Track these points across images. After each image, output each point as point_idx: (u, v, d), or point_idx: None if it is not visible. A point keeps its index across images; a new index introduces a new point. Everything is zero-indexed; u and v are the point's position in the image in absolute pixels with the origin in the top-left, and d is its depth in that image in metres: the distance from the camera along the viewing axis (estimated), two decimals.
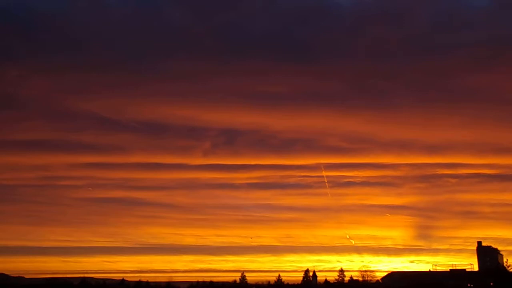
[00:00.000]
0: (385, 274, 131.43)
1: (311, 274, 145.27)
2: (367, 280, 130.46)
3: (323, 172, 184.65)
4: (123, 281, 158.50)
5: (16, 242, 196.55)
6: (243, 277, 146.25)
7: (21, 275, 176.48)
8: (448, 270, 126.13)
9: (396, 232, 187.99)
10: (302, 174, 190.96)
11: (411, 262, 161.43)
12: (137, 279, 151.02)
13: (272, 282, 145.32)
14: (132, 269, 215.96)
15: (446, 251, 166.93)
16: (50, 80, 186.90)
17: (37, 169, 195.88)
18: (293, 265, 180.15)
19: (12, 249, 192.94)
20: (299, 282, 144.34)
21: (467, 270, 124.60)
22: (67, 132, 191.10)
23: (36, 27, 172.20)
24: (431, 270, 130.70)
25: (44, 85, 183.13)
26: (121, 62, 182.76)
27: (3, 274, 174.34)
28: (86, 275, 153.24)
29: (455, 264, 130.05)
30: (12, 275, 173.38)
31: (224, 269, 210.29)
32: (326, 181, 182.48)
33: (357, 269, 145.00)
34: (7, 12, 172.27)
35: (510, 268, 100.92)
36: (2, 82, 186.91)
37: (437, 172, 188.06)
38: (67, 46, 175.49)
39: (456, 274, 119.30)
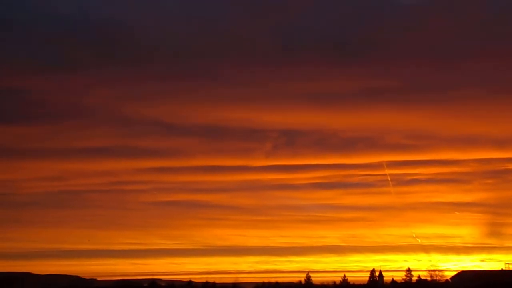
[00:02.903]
0: (454, 273, 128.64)
1: (377, 274, 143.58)
2: (436, 279, 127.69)
3: (386, 170, 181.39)
4: (190, 282, 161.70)
5: (87, 246, 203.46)
6: (308, 278, 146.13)
7: (93, 277, 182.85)
8: None
9: (465, 230, 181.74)
10: (365, 172, 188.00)
11: (482, 261, 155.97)
12: (204, 280, 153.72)
13: (337, 283, 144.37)
14: (199, 271, 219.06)
15: None
16: (114, 88, 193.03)
17: (103, 175, 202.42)
18: (359, 265, 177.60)
19: (84, 253, 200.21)
20: (365, 282, 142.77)
21: None
22: (131, 138, 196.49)
23: (99, 38, 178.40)
24: (504, 269, 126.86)
25: (109, 94, 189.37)
26: (181, 69, 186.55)
27: (76, 277, 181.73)
28: (155, 277, 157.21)
29: None
30: (85, 277, 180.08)
31: (289, 269, 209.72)
32: (389, 179, 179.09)
33: (425, 269, 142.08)
34: (72, 24, 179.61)
35: None
36: (69, 92, 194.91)
37: (507, 167, 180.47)
38: (128, 55, 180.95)
39: None
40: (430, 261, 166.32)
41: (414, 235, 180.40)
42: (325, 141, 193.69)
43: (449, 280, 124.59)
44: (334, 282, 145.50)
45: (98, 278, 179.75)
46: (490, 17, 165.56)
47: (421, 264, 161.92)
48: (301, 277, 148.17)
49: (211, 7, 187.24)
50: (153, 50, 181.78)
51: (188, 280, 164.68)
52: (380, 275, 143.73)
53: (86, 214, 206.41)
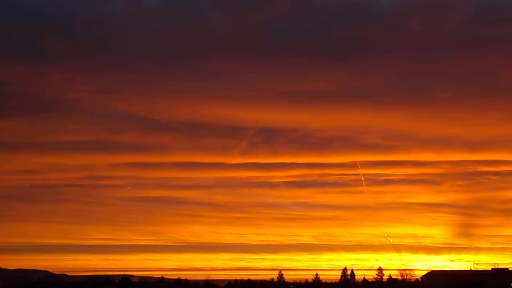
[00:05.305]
0: (424, 273, 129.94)
1: (349, 272, 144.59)
2: (406, 279, 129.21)
3: (359, 169, 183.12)
4: (162, 278, 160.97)
5: (59, 240, 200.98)
6: (280, 276, 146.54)
7: (64, 273, 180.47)
8: (490, 269, 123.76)
9: (436, 230, 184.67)
10: (340, 172, 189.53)
11: (452, 261, 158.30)
12: (176, 277, 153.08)
13: (309, 281, 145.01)
14: (172, 267, 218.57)
15: (488, 250, 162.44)
16: (92, 82, 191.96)
17: (80, 169, 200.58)
18: (331, 264, 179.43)
19: (55, 247, 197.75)
20: (337, 281, 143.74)
21: (509, 269, 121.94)
22: (109, 133, 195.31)
23: (77, 31, 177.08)
24: (472, 269, 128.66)
25: (87, 88, 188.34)
26: (160, 64, 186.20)
27: (46, 272, 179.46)
28: (127, 273, 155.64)
29: (497, 263, 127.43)
30: (55, 273, 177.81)
31: (262, 267, 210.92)
32: (362, 179, 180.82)
33: (396, 268, 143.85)
34: (49, 17, 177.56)
35: None
36: (46, 85, 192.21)
37: (478, 170, 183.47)
38: (108, 49, 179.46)
39: (499, 273, 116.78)
40: (401, 260, 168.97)
41: (386, 235, 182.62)
42: (302, 140, 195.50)
43: (419, 280, 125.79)
44: (306, 280, 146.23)
45: (69, 274, 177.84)
46: (466, 21, 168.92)
47: (392, 264, 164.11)
48: (274, 275, 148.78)
49: (193, 3, 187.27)
50: (132, 46, 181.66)
51: (160, 276, 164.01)
52: (352, 274, 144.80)
53: (59, 209, 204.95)
